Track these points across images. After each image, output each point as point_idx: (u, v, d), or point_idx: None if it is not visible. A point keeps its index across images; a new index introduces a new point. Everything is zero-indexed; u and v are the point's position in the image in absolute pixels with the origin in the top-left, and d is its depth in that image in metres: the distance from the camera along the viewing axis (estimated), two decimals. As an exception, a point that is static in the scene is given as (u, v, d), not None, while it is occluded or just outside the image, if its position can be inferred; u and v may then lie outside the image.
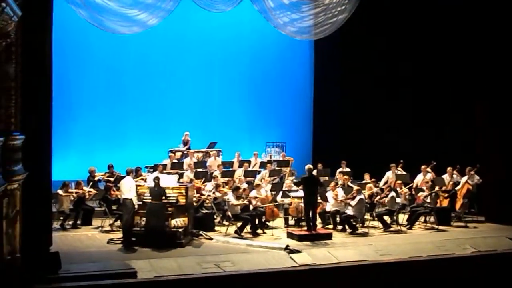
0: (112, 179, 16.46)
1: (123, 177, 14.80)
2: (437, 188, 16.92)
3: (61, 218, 15.37)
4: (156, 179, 14.03)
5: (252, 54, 23.39)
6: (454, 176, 17.75)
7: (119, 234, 14.19)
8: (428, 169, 17.90)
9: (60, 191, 15.30)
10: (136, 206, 13.87)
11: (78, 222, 15.68)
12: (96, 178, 16.72)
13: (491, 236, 15.63)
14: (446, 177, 17.69)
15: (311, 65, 24.60)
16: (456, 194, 17.02)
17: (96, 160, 18.62)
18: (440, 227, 16.37)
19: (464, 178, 17.33)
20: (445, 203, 16.84)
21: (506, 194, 17.12)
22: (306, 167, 15.43)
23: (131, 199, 13.78)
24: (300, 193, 15.55)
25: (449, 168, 17.77)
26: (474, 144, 17.94)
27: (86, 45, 20.97)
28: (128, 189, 13.94)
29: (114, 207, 15.57)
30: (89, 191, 15.90)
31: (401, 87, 20.63)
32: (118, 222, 15.12)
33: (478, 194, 17.45)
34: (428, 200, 16.58)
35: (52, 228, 12.54)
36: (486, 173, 17.37)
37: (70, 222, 15.56)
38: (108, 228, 15.28)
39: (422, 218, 16.74)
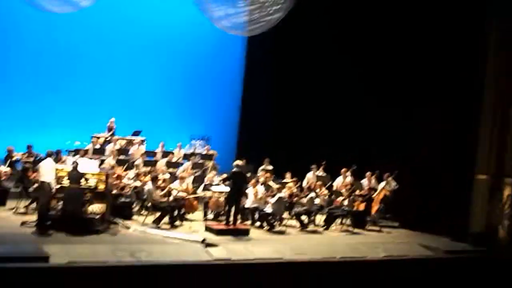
0: (31, 160, 16.09)
1: (43, 158, 14.47)
2: (358, 192, 17.30)
3: (-26, 197, 14.94)
4: (75, 163, 13.81)
5: (184, 45, 23.27)
6: (373, 181, 18.20)
7: (33, 217, 13.84)
8: (348, 173, 18.28)
9: (-26, 169, 14.87)
10: (53, 190, 13.60)
11: (-8, 202, 15.28)
12: (14, 158, 16.29)
13: (404, 242, 16.09)
14: (364, 181, 18.13)
15: (242, 61, 24.69)
16: (372, 199, 17.45)
17: (15, 140, 18.11)
18: (356, 230, 16.76)
19: (382, 184, 17.81)
20: (362, 207, 17.21)
21: (419, 201, 17.64)
22: (235, 162, 15.55)
23: (49, 182, 13.47)
24: (221, 188, 15.64)
25: (368, 173, 18.23)
26: (394, 150, 18.41)
27: (13, 21, 20.42)
28: (47, 171, 13.59)
29: (30, 189, 15.22)
30: (5, 171, 15.49)
31: (330, 88, 20.87)
32: (34, 205, 14.78)
33: (394, 200, 17.94)
34: (346, 203, 16.93)
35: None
36: (403, 180, 17.87)
37: (-17, 202, 15.15)
38: (23, 210, 14.90)
39: (338, 220, 17.08)
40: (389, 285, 13.94)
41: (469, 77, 17.03)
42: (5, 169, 15.54)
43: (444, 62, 17.56)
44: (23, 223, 13.64)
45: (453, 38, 17.37)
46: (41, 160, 14.54)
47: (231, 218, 14.89)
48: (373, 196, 17.47)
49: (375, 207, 17.56)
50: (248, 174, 17.91)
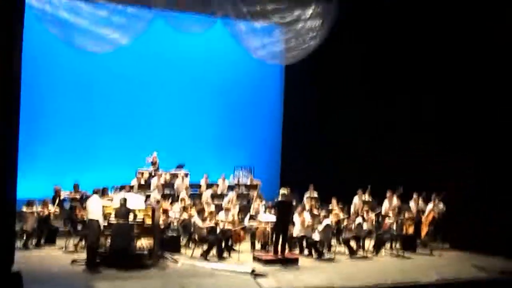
0: (78, 198, 16.28)
1: (89, 196, 14.62)
2: (406, 215, 17.02)
3: (25, 237, 15.10)
4: (123, 200, 13.91)
5: (222, 76, 23.44)
6: (420, 203, 17.92)
7: (83, 255, 13.94)
8: (394, 196, 18.01)
9: (24, 209, 15.06)
10: (102, 227, 13.69)
11: (42, 241, 15.43)
12: (62, 197, 16.48)
13: (456, 264, 15.79)
14: (411, 203, 17.86)
15: (281, 89, 24.74)
16: (421, 222, 17.16)
17: (62, 179, 18.34)
18: (406, 254, 16.47)
19: (430, 206, 17.53)
20: (411, 230, 16.96)
21: (470, 221, 17.28)
22: (280, 191, 15.46)
23: (97, 219, 13.58)
24: (268, 217, 15.55)
25: (414, 196, 17.97)
26: (440, 171, 18.10)
27: (56, 61, 20.88)
28: (94, 209, 13.72)
29: (79, 227, 15.36)
30: (54, 211, 15.68)
31: (371, 114, 20.73)
32: (83, 243, 14.91)
33: (443, 222, 17.62)
34: (395, 226, 16.69)
35: (14, 247, 12.30)
36: (450, 200, 17.56)
37: (34, 242, 15.31)
38: (72, 249, 15.03)
39: (388, 245, 16.84)
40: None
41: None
42: (53, 208, 15.72)
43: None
44: (73, 261, 13.75)
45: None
46: (88, 198, 14.71)
47: (279, 248, 14.78)
48: (421, 218, 17.19)
49: (424, 230, 17.30)
50: (294, 202, 17.85)
